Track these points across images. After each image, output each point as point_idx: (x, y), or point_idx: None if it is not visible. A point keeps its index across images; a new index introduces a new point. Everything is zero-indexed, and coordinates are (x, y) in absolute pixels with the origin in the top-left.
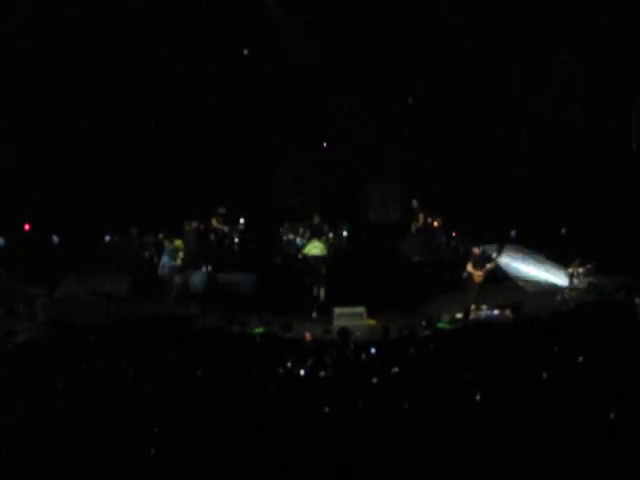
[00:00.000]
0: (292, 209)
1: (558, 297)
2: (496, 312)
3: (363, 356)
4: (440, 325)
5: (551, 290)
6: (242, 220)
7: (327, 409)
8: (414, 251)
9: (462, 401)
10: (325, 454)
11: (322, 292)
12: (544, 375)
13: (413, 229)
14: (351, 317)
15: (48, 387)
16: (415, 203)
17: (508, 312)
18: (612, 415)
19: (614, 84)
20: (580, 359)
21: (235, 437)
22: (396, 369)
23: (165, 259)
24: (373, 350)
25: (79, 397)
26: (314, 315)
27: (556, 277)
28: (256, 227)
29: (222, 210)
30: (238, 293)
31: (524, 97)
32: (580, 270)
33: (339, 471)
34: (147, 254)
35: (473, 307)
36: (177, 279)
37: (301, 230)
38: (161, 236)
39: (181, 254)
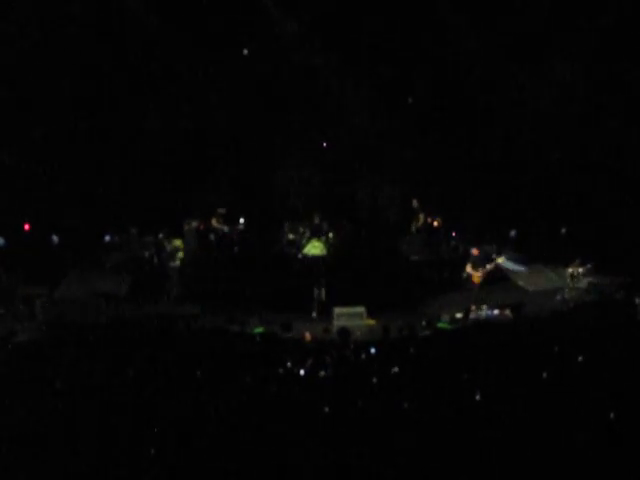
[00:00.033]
0: (292, 209)
1: (558, 297)
2: (496, 312)
3: (363, 356)
4: (440, 325)
5: (551, 291)
6: (242, 220)
7: (327, 409)
8: (414, 251)
9: (462, 401)
10: (325, 454)
11: (322, 292)
12: (544, 375)
13: (413, 229)
14: (351, 317)
15: (48, 387)
16: (415, 203)
17: (508, 312)
18: (612, 415)
19: (614, 84)
20: (580, 359)
21: (235, 437)
22: (396, 369)
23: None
24: (373, 350)
25: (79, 397)
26: (314, 315)
27: (556, 277)
28: (256, 227)
29: (222, 210)
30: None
31: (524, 97)
32: (580, 270)
33: (339, 471)
34: (147, 254)
35: (473, 307)
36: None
37: (301, 230)
38: (161, 236)
39: (181, 254)
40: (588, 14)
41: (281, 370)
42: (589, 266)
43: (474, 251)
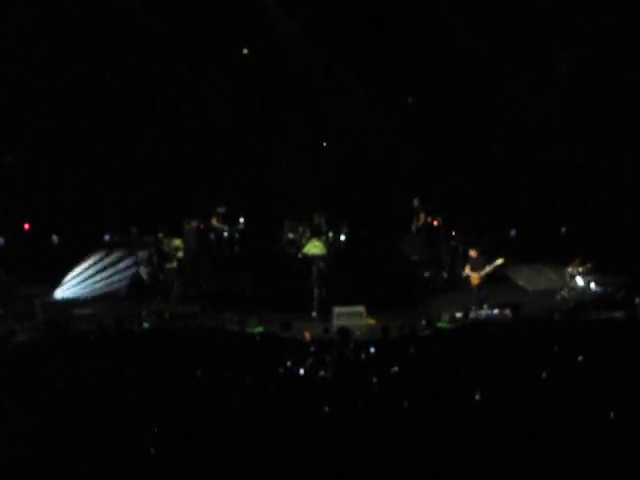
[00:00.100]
0: (292, 209)
1: (558, 297)
2: (496, 312)
3: (363, 355)
4: (440, 324)
5: (551, 290)
6: (242, 220)
7: (327, 409)
8: (414, 251)
9: (462, 400)
10: (325, 454)
11: (322, 291)
12: (544, 375)
13: (413, 228)
14: (351, 316)
15: (48, 387)
16: (416, 202)
17: (508, 312)
18: (612, 415)
19: (614, 84)
20: (580, 359)
21: (235, 437)
22: (396, 368)
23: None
24: (373, 349)
25: (79, 397)
26: (314, 314)
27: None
28: (256, 227)
29: (222, 209)
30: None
31: (524, 97)
32: (580, 269)
33: (339, 471)
34: (147, 254)
35: (473, 307)
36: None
37: (301, 230)
38: (161, 235)
39: (181, 253)
40: (588, 14)
41: (281, 370)
42: (589, 266)
43: (472, 253)
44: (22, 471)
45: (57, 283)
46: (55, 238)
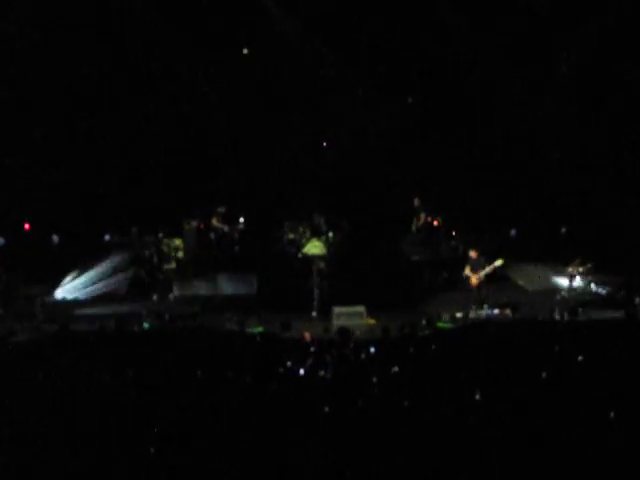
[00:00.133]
0: (292, 209)
1: (558, 297)
2: (496, 311)
3: (363, 355)
4: (440, 324)
5: (551, 290)
6: (242, 219)
7: (327, 408)
8: (414, 251)
9: (462, 400)
10: (325, 454)
11: (322, 291)
12: (544, 375)
13: (414, 228)
14: (351, 316)
15: (48, 387)
16: (417, 202)
17: (508, 311)
18: (612, 415)
19: (614, 84)
20: (580, 359)
21: (235, 437)
22: (396, 368)
23: None
24: (373, 349)
25: (79, 397)
26: (314, 314)
27: (556, 277)
28: (256, 226)
29: (222, 209)
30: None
31: (524, 97)
32: (580, 269)
33: (339, 471)
34: (147, 253)
35: (473, 307)
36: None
37: (301, 230)
38: (161, 235)
39: (180, 253)
40: (588, 14)
41: (281, 369)
42: (589, 266)
43: (472, 254)
44: (22, 471)
45: (57, 283)
46: (55, 238)
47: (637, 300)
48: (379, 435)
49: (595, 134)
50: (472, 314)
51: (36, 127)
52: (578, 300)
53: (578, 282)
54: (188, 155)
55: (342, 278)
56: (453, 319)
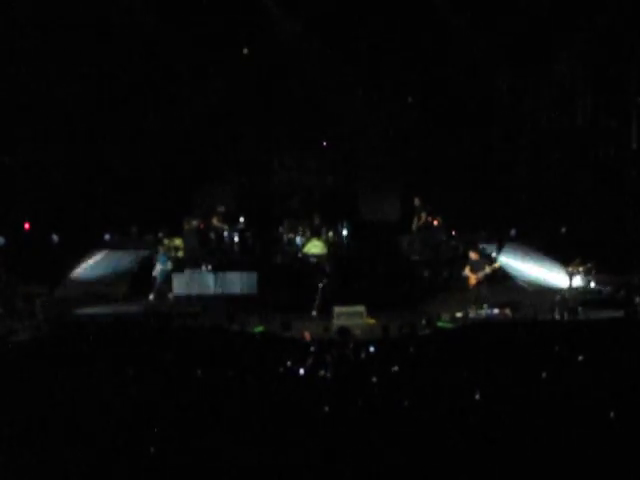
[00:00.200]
0: (291, 209)
1: (558, 297)
2: (496, 311)
3: (363, 355)
4: (440, 324)
5: (551, 290)
6: (242, 219)
7: (327, 408)
8: (414, 250)
9: (462, 400)
10: (325, 453)
11: (322, 291)
12: (544, 375)
13: (414, 228)
14: (351, 316)
15: (48, 387)
16: (417, 201)
17: (508, 311)
18: (612, 415)
19: (614, 84)
20: (580, 359)
21: (235, 436)
22: (396, 368)
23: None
24: (373, 349)
25: (79, 397)
26: (314, 314)
27: (555, 277)
28: (256, 226)
29: (221, 209)
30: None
31: (524, 97)
32: (580, 269)
33: (339, 471)
34: (147, 253)
35: (473, 307)
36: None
37: (301, 229)
38: (161, 235)
39: (180, 253)
40: (588, 14)
41: (281, 369)
42: (589, 266)
43: (472, 255)
44: (22, 471)
45: (57, 283)
46: (55, 237)
47: (637, 300)
48: (379, 435)
49: (595, 134)
50: (472, 314)
51: (36, 127)
52: (578, 300)
53: (578, 282)
54: (188, 155)
55: (342, 277)
56: (453, 319)
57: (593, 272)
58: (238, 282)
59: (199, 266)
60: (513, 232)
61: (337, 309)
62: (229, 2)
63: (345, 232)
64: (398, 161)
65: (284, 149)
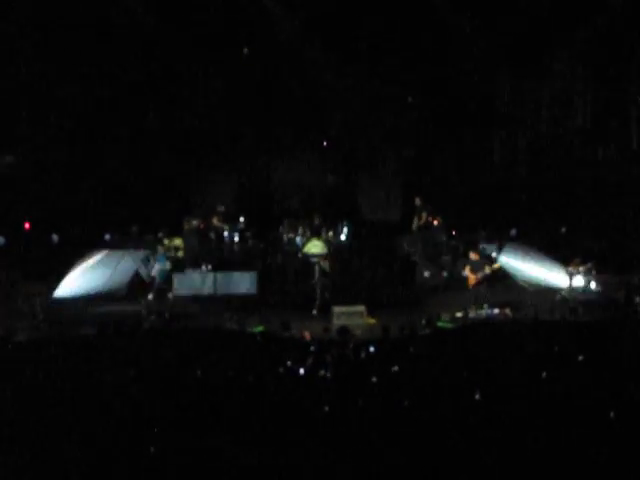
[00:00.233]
0: (291, 209)
1: (558, 297)
2: (496, 311)
3: (363, 355)
4: (440, 324)
5: (551, 290)
6: (242, 219)
7: (327, 408)
8: (414, 250)
9: (462, 400)
10: (325, 454)
11: (322, 291)
12: (544, 375)
13: (414, 227)
14: (351, 316)
15: (48, 387)
16: (418, 201)
17: (508, 311)
18: (612, 415)
19: (614, 84)
20: (580, 359)
21: (235, 436)
22: (396, 368)
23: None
24: (373, 349)
25: (79, 397)
26: (314, 313)
27: (556, 277)
28: (256, 226)
29: (221, 209)
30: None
31: (524, 97)
32: (580, 269)
33: (339, 471)
34: (147, 253)
35: (473, 307)
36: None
37: (301, 229)
38: (161, 234)
39: (180, 253)
40: (588, 14)
41: (281, 369)
42: (589, 266)
43: (472, 256)
44: (22, 471)
45: (57, 282)
46: (55, 237)
47: (637, 300)
48: (379, 435)
49: (595, 134)
50: (472, 314)
51: (36, 127)
52: (578, 300)
53: (578, 282)
54: (188, 154)
55: (342, 278)
56: (453, 319)
57: (593, 272)
58: (238, 282)
59: (199, 266)
60: (513, 232)
61: (337, 309)
62: (229, 2)
63: (345, 232)
64: (398, 161)
65: (284, 149)
